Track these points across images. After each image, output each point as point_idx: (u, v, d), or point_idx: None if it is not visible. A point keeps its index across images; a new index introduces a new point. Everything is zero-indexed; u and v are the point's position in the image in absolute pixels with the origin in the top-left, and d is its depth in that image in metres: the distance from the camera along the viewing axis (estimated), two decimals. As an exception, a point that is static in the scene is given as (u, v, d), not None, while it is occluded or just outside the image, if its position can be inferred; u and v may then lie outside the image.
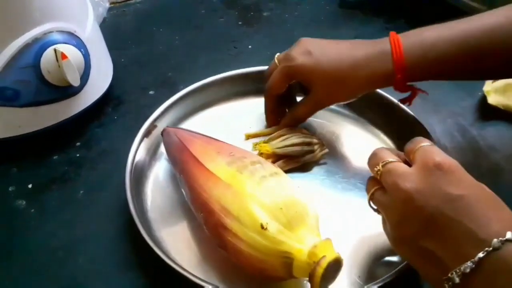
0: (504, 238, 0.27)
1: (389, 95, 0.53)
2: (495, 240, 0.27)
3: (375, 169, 0.35)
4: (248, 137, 0.52)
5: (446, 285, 0.29)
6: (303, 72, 0.47)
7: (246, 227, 0.35)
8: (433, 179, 0.31)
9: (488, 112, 0.56)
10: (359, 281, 0.39)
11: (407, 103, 0.50)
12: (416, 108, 0.53)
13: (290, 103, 0.52)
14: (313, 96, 0.48)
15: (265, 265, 0.35)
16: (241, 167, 0.39)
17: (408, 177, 0.32)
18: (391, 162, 0.34)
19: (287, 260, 0.34)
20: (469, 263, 0.28)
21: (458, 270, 0.28)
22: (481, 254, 0.27)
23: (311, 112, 0.50)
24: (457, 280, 0.28)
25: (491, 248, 0.27)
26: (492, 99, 0.56)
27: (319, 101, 0.49)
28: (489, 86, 0.57)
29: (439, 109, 0.57)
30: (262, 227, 0.34)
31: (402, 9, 0.73)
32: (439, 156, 0.32)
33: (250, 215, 0.35)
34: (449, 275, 0.29)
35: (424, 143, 0.34)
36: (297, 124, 0.51)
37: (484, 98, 0.57)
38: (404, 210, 0.32)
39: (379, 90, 0.54)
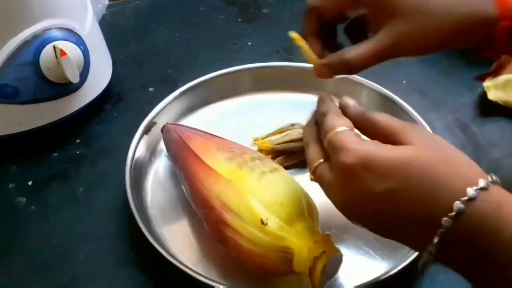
0: (454, 213, 0.25)
1: (390, 91, 0.53)
2: (444, 219, 0.25)
3: (309, 175, 0.32)
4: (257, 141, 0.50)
5: (423, 259, 0.27)
6: None
7: (246, 222, 0.35)
8: (354, 185, 0.28)
9: (488, 108, 0.56)
10: (359, 276, 0.39)
11: (490, 76, 0.41)
12: (416, 104, 0.53)
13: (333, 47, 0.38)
14: (387, 34, 0.34)
15: (265, 261, 0.35)
16: (241, 163, 0.39)
17: (332, 189, 0.30)
18: (317, 167, 0.31)
19: (287, 256, 0.34)
20: (431, 249, 0.26)
21: (426, 253, 0.27)
22: (436, 240, 0.26)
23: (375, 59, 0.35)
24: (430, 257, 0.27)
25: (443, 230, 0.26)
26: (492, 95, 0.56)
27: (393, 42, 0.34)
28: (489, 81, 0.57)
29: (439, 105, 0.57)
30: (262, 222, 0.34)
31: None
32: (348, 154, 0.28)
33: (250, 211, 0.35)
34: (422, 256, 0.27)
35: (330, 132, 0.30)
36: (345, 72, 0.36)
37: (484, 94, 0.57)
38: (349, 217, 0.30)
39: (377, 85, 0.54)
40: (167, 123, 0.50)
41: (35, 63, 0.47)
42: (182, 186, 0.44)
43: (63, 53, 0.47)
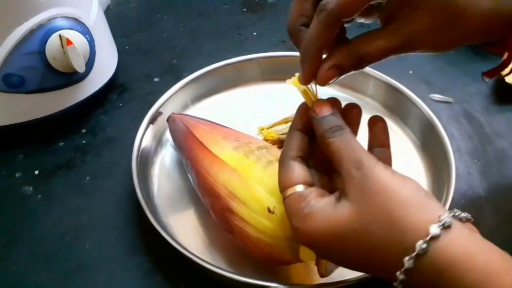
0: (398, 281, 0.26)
1: (396, 81, 0.53)
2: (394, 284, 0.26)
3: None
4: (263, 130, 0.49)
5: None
6: None
7: (253, 211, 0.35)
8: (311, 247, 0.30)
9: (495, 99, 0.56)
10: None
11: (498, 70, 0.37)
12: (422, 94, 0.53)
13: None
14: (407, 25, 0.30)
15: (272, 249, 0.35)
16: (248, 152, 0.39)
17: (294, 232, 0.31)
18: (288, 196, 0.30)
19: (294, 244, 0.34)
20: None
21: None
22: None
23: (391, 52, 0.31)
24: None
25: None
26: (510, 78, 0.55)
27: (413, 35, 0.30)
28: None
29: (445, 95, 0.57)
30: (269, 211, 0.34)
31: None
32: (295, 232, 0.29)
33: (257, 199, 0.35)
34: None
35: (282, 192, 0.30)
36: (356, 69, 0.31)
37: (491, 84, 0.57)
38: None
39: (383, 75, 0.53)
40: (173, 113, 0.49)
41: (41, 52, 0.47)
42: (189, 176, 0.44)
43: (69, 42, 0.47)
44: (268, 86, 0.57)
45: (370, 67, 0.53)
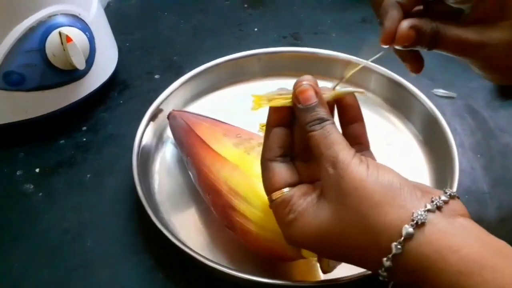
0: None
1: (399, 76, 0.53)
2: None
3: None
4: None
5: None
6: None
7: (254, 207, 0.35)
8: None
9: (499, 94, 0.56)
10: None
11: None
12: (425, 89, 0.52)
13: None
14: (492, 31, 0.30)
15: (274, 245, 0.35)
16: (248, 148, 0.39)
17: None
18: (275, 199, 0.30)
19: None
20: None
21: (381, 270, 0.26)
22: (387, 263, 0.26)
23: (464, 43, 0.31)
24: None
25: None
26: None
27: (491, 43, 0.30)
28: None
29: (448, 90, 0.56)
30: (270, 207, 0.34)
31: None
32: (283, 233, 0.30)
33: (257, 196, 0.35)
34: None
35: (268, 195, 0.30)
36: (431, 40, 0.31)
37: (494, 79, 0.56)
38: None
39: (387, 70, 0.53)
40: (173, 110, 0.49)
41: (41, 50, 0.47)
42: (189, 172, 0.44)
43: (68, 39, 0.47)
44: (269, 82, 0.56)
45: (373, 62, 0.53)
